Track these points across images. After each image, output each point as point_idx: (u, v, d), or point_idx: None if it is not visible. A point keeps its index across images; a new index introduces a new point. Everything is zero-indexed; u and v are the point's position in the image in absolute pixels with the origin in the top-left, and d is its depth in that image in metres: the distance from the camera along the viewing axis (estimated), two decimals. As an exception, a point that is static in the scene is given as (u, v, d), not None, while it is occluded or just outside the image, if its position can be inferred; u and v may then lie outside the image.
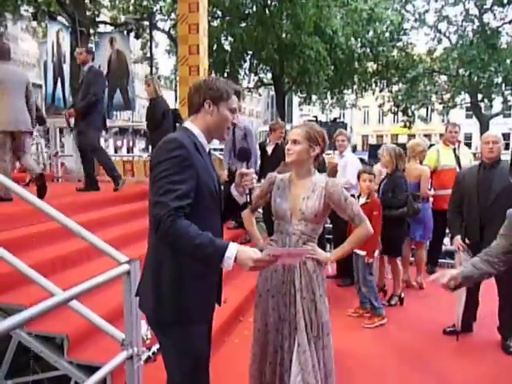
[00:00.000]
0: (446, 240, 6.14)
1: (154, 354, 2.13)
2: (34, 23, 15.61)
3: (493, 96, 19.66)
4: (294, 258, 1.87)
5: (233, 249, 1.53)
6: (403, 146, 5.92)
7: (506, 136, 35.14)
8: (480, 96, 19.93)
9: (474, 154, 6.84)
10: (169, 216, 1.51)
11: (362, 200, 3.92)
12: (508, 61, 17.84)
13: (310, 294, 2.20)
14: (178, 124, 5.64)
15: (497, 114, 22.97)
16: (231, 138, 5.24)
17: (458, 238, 3.48)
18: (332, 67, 16.26)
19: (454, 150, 5.18)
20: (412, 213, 4.20)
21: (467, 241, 3.44)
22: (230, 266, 1.52)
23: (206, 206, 1.70)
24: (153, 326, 1.80)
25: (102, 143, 6.47)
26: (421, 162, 4.73)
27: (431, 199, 4.84)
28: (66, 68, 10.92)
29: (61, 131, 8.62)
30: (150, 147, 5.50)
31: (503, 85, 19.03)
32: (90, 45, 12.88)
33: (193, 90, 1.77)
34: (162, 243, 1.63)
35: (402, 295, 4.32)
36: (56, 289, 2.31)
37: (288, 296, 2.21)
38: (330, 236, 5.22)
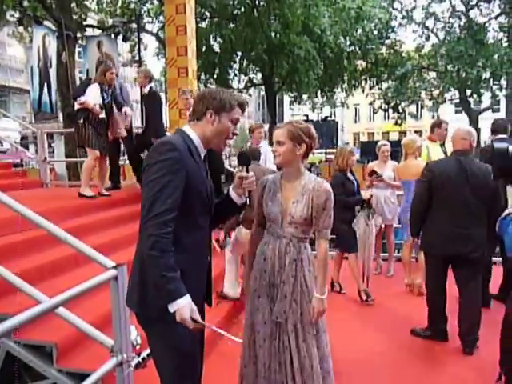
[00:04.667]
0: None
1: (143, 359, 2.10)
2: (21, 28, 15.48)
3: (481, 91, 19.74)
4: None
5: (183, 302, 1.60)
6: (397, 143, 5.93)
7: (495, 130, 35.44)
8: (469, 91, 20.00)
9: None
10: (157, 233, 1.58)
11: None
12: (495, 56, 17.94)
13: (300, 295, 2.17)
14: None
15: (486, 109, 23.09)
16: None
17: None
18: (321, 66, 16.27)
19: (441, 145, 5.21)
20: None
21: None
22: (171, 310, 1.61)
23: (194, 208, 1.75)
24: (140, 321, 1.84)
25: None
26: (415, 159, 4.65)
27: None
28: (53, 73, 10.82)
29: (51, 137, 8.55)
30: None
31: (491, 80, 19.13)
32: (77, 49, 12.81)
33: (197, 98, 1.86)
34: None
35: (365, 293, 4.28)
36: (43, 296, 2.27)
37: (275, 299, 2.19)
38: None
